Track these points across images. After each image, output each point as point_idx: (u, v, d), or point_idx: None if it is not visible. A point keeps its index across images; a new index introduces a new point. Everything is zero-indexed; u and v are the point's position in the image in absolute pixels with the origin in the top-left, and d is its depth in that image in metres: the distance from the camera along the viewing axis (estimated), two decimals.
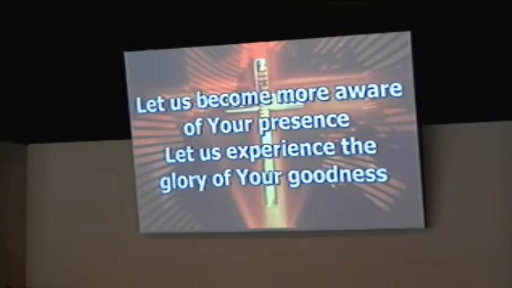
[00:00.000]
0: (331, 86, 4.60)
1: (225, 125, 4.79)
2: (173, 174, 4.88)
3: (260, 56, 4.70)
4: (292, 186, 4.70)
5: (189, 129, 4.84)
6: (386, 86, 4.50)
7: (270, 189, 4.74)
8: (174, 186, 4.88)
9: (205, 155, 4.82)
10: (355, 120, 4.57)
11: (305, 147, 4.66)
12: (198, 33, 4.72)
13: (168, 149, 4.88)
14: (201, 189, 4.84)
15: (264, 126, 4.73)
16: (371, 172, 4.56)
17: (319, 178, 4.64)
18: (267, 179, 4.74)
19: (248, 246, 4.90)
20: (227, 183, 4.79)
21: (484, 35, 4.36)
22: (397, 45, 4.44)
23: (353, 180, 4.59)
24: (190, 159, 4.85)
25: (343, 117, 4.59)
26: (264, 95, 4.72)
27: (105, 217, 5.19)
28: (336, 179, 4.61)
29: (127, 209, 5.04)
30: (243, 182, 4.77)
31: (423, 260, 4.60)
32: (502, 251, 4.49)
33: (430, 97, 4.46)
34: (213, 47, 4.76)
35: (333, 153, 4.61)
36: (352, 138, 4.58)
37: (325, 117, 4.62)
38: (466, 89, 4.48)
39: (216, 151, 4.80)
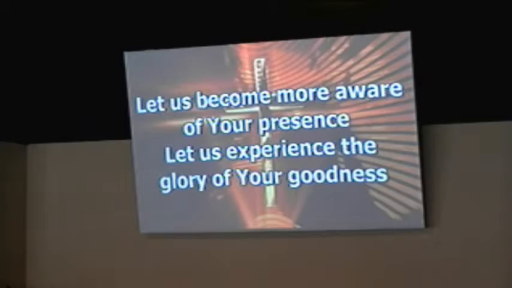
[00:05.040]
0: (331, 86, 4.60)
1: (225, 125, 4.79)
2: (173, 174, 4.88)
3: (260, 56, 4.70)
4: (292, 186, 4.70)
5: (189, 129, 4.84)
6: (387, 86, 4.50)
7: (270, 189, 4.74)
8: (174, 186, 4.88)
9: (205, 155, 4.82)
10: (355, 120, 4.57)
11: (305, 147, 4.66)
12: (198, 33, 4.72)
13: (168, 149, 4.88)
14: (201, 189, 4.84)
15: (264, 126, 4.73)
16: (371, 172, 4.56)
17: (319, 178, 4.64)
18: (267, 179, 4.73)
19: (248, 246, 4.90)
20: (227, 183, 4.79)
21: (484, 35, 4.36)
22: (397, 45, 4.44)
23: (353, 180, 4.59)
24: (190, 159, 4.85)
25: (343, 117, 4.59)
26: (264, 95, 4.72)
27: (105, 217, 5.19)
28: (336, 179, 4.61)
29: (127, 209, 5.04)
30: (243, 182, 4.77)
31: (423, 260, 4.60)
32: (502, 251, 4.49)
33: (430, 97, 4.46)
34: (213, 47, 4.76)
35: (333, 153, 4.61)
36: (352, 138, 4.58)
37: (325, 117, 4.62)
38: (466, 89, 4.48)
39: (216, 151, 4.80)
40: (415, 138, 4.46)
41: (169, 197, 4.89)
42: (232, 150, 4.78)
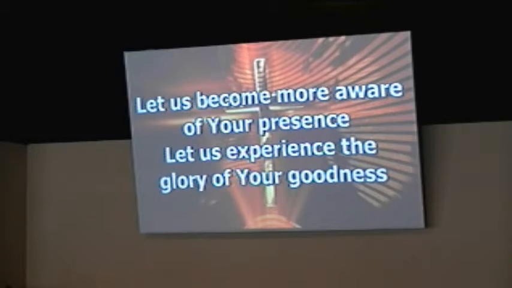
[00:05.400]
0: (331, 86, 4.60)
1: (225, 125, 4.79)
2: (173, 174, 4.88)
3: (260, 56, 4.70)
4: (292, 186, 4.70)
5: (189, 129, 4.84)
6: (387, 86, 4.50)
7: (270, 189, 4.74)
8: (174, 186, 4.88)
9: (205, 155, 4.82)
10: (355, 120, 4.57)
11: (305, 147, 4.66)
12: (198, 33, 4.72)
13: (168, 149, 4.88)
14: (201, 189, 4.84)
15: (264, 126, 4.73)
16: (371, 172, 4.56)
17: (319, 178, 4.64)
18: (267, 179, 4.73)
19: (248, 246, 4.90)
20: (227, 183, 4.79)
21: (484, 34, 4.35)
22: (397, 45, 4.44)
23: (353, 180, 4.59)
24: (190, 159, 4.85)
25: (343, 117, 4.59)
26: (264, 95, 4.72)
27: (105, 217, 5.19)
28: (336, 179, 4.61)
29: (127, 209, 5.04)
30: (243, 182, 4.77)
31: (423, 260, 4.60)
32: (502, 251, 4.49)
33: (430, 97, 4.46)
34: (213, 47, 4.76)
35: (333, 153, 4.61)
36: (352, 138, 4.58)
37: (325, 117, 4.62)
38: (466, 89, 4.48)
39: (216, 151, 4.80)
40: (415, 138, 4.46)
41: (169, 197, 4.89)
42: (232, 150, 4.78)
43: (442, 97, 4.51)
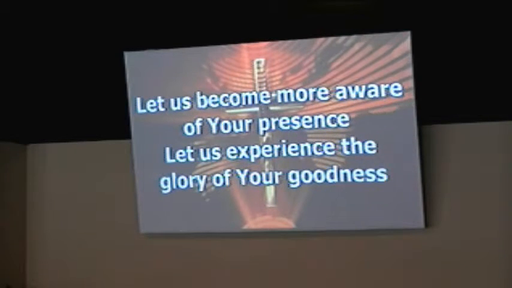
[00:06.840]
0: (331, 86, 4.60)
1: (225, 125, 4.79)
2: (173, 174, 4.88)
3: (260, 56, 4.70)
4: (292, 186, 4.70)
5: (189, 129, 4.84)
6: (387, 86, 4.50)
7: (270, 189, 4.74)
8: (174, 186, 4.88)
9: (205, 155, 4.82)
10: (355, 120, 4.57)
11: (305, 147, 4.66)
12: (198, 33, 4.72)
13: (168, 149, 4.89)
14: (201, 189, 4.84)
15: (264, 126, 4.73)
16: (371, 172, 4.56)
17: (319, 178, 4.64)
18: (267, 179, 4.74)
19: (248, 246, 4.90)
20: (227, 183, 4.79)
21: (484, 35, 4.36)
22: (397, 45, 4.44)
23: (353, 180, 4.59)
24: (190, 159, 4.85)
25: (343, 117, 4.59)
26: (264, 95, 4.72)
27: (105, 217, 5.19)
28: (336, 179, 4.61)
29: (127, 209, 5.04)
30: (243, 182, 4.77)
31: (423, 260, 4.60)
32: (502, 251, 4.49)
33: (430, 97, 4.46)
34: (213, 47, 4.76)
35: (333, 153, 4.62)
36: (352, 138, 4.58)
37: (325, 117, 4.62)
38: (466, 89, 4.48)
39: (216, 151, 4.80)
40: (415, 138, 4.46)
41: (169, 197, 4.89)
42: (232, 150, 4.78)
43: (441, 97, 4.51)
